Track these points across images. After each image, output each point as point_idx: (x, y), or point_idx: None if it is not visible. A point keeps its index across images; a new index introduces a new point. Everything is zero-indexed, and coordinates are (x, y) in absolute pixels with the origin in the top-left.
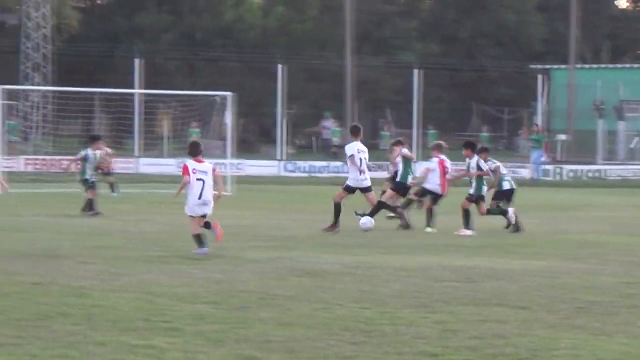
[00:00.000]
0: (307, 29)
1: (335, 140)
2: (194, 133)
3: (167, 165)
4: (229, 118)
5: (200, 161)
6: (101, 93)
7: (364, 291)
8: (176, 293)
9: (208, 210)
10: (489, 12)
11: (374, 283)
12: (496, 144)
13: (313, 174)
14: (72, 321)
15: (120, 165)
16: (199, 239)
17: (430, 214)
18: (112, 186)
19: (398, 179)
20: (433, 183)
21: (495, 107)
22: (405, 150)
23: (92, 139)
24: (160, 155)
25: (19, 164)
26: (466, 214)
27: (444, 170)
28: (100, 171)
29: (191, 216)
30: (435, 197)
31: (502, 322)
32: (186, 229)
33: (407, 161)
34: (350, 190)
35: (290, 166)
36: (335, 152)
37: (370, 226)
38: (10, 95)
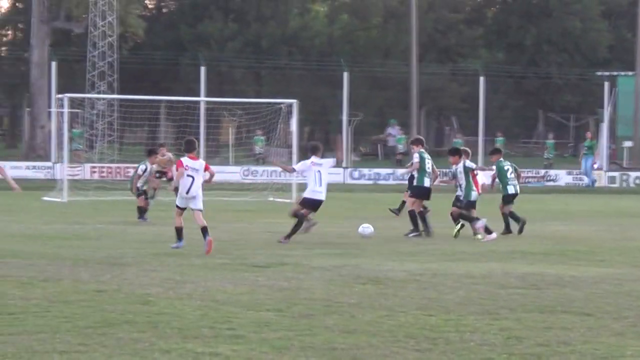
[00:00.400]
0: (371, 36)
1: (401, 147)
2: (259, 141)
3: (232, 173)
4: (294, 125)
5: (194, 158)
6: (166, 101)
7: (429, 298)
8: (240, 300)
9: (194, 205)
10: (553, 19)
11: (438, 290)
12: (562, 151)
13: (378, 182)
14: (137, 329)
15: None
16: (179, 233)
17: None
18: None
19: (415, 183)
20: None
21: (561, 114)
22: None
23: (149, 153)
24: (225, 163)
25: (85, 171)
26: (463, 216)
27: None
28: (165, 178)
29: (177, 207)
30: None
31: (568, 329)
32: (249, 237)
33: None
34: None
35: (355, 174)
36: (400, 160)
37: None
38: (77, 103)
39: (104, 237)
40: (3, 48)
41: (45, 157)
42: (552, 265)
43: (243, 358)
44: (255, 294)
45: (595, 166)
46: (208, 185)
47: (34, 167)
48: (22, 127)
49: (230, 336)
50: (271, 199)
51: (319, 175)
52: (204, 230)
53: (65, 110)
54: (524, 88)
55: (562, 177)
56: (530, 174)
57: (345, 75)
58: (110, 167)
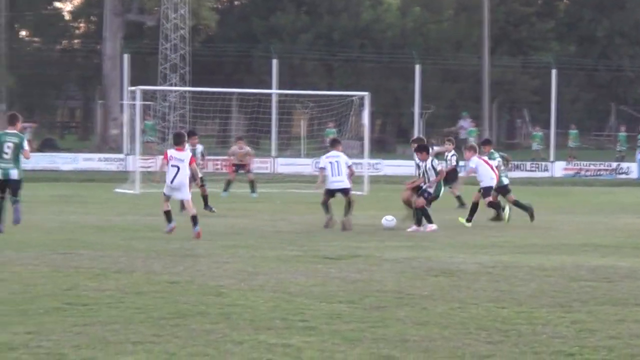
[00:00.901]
0: (443, 29)
1: (472, 139)
2: (331, 133)
3: (304, 165)
4: (366, 118)
5: (180, 150)
6: (238, 93)
7: (501, 291)
8: (312, 292)
9: (180, 195)
10: (626, 12)
11: (510, 282)
12: (634, 144)
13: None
14: (209, 320)
15: (257, 165)
16: (167, 216)
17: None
18: (252, 186)
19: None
20: (488, 178)
21: (633, 107)
22: (437, 148)
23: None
24: (297, 155)
25: (157, 163)
26: (423, 211)
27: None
28: (242, 171)
29: (164, 194)
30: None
31: None
32: (322, 229)
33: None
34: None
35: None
36: None
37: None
38: (149, 95)
39: (177, 229)
40: (76, 41)
41: (118, 149)
42: (624, 258)
43: (315, 350)
44: (327, 285)
45: None
46: (280, 177)
47: (106, 159)
48: (94, 119)
49: (303, 328)
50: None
51: (336, 165)
52: (194, 220)
53: (138, 102)
54: (595, 81)
55: (634, 169)
56: (602, 167)
57: (417, 67)
58: None
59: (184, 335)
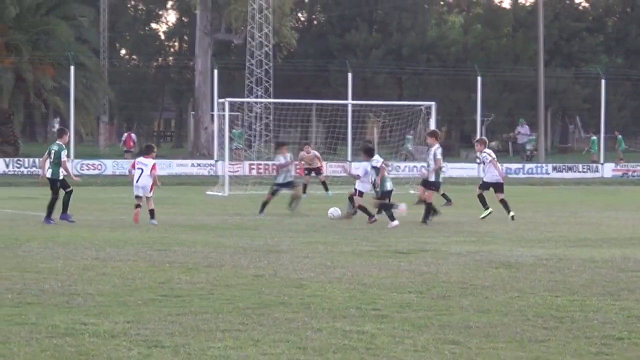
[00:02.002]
0: (502, 44)
1: (529, 146)
2: (409, 141)
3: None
4: (433, 125)
5: (147, 157)
6: (317, 104)
7: (556, 281)
8: (384, 283)
9: (144, 192)
10: None
11: (564, 273)
12: None
13: (509, 175)
14: (291, 309)
15: (333, 169)
16: (150, 213)
17: (505, 204)
18: (325, 186)
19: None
20: (492, 175)
21: None
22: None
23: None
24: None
25: (244, 168)
26: (384, 206)
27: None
28: (314, 174)
29: (135, 193)
30: (499, 186)
31: None
32: (388, 228)
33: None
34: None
35: None
36: (530, 157)
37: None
38: (236, 107)
39: (261, 227)
40: (170, 58)
41: (209, 156)
42: None
43: (387, 335)
44: (398, 277)
45: None
46: (347, 178)
47: (198, 165)
48: (187, 128)
49: (376, 316)
50: (412, 191)
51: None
52: (151, 213)
53: (226, 113)
54: None
55: None
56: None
57: (479, 79)
58: (266, 164)
59: (268, 323)
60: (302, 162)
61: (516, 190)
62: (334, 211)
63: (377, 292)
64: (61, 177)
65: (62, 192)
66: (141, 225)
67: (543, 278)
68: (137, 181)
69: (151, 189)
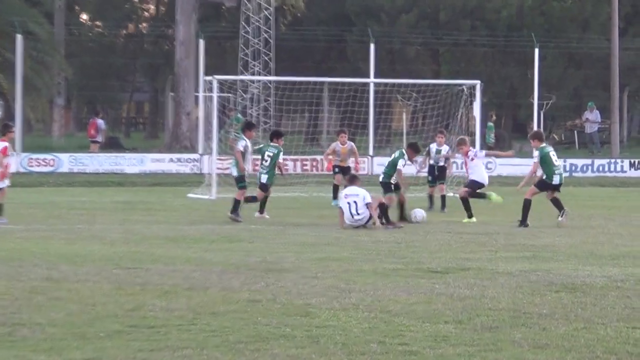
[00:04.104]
0: (567, 7)
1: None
2: (491, 129)
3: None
4: (477, 110)
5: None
6: (330, 83)
7: (633, 308)
8: (415, 311)
9: (3, 184)
10: None
11: None
12: None
13: (574, 174)
14: (295, 344)
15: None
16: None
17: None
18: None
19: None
20: (480, 175)
21: None
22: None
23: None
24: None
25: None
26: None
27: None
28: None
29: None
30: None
31: None
32: (426, 238)
33: None
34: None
35: None
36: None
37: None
38: (227, 87)
39: (258, 240)
40: (144, 24)
41: (191, 149)
42: None
43: None
44: (431, 303)
45: None
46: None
47: (178, 160)
48: (164, 114)
49: (403, 352)
50: (451, 194)
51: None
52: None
53: (215, 94)
54: None
55: None
56: None
57: (537, 51)
58: (256, 159)
59: None
60: (332, 157)
61: (583, 192)
62: (418, 213)
63: (404, 322)
64: None
65: None
66: (105, 237)
67: (617, 304)
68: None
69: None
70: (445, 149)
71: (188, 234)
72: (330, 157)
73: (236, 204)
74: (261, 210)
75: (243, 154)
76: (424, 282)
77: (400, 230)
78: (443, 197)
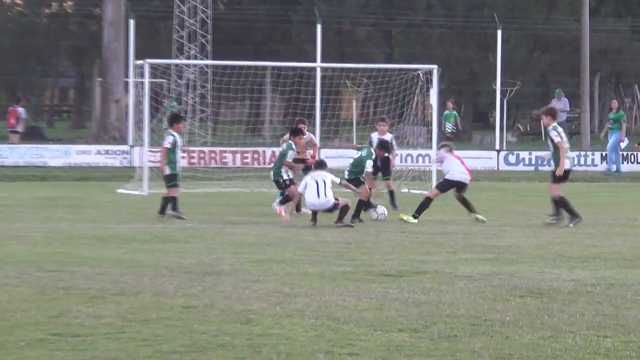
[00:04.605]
0: None
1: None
2: (452, 116)
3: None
4: (434, 98)
5: None
6: (273, 68)
7: (604, 315)
8: (365, 318)
9: None
10: None
11: (616, 305)
12: None
13: (540, 168)
14: (234, 354)
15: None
16: None
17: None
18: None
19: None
20: (456, 172)
21: None
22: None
23: (293, 132)
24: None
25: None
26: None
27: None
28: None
29: None
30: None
31: None
32: (378, 238)
33: None
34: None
35: (511, 158)
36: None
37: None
38: (160, 71)
39: (194, 240)
40: (69, 3)
41: (121, 140)
42: None
43: None
44: (384, 309)
45: (623, 145)
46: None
47: (106, 152)
48: (91, 102)
49: None
50: (405, 190)
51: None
52: None
53: (146, 80)
54: None
55: None
56: None
57: (499, 33)
58: (202, 152)
59: None
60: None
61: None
62: (380, 209)
63: (354, 330)
64: None
65: None
66: (26, 237)
67: (587, 311)
68: None
69: None
70: (388, 137)
71: (117, 233)
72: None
73: (174, 200)
74: (298, 209)
75: (171, 150)
76: (375, 286)
77: (351, 229)
78: (391, 193)
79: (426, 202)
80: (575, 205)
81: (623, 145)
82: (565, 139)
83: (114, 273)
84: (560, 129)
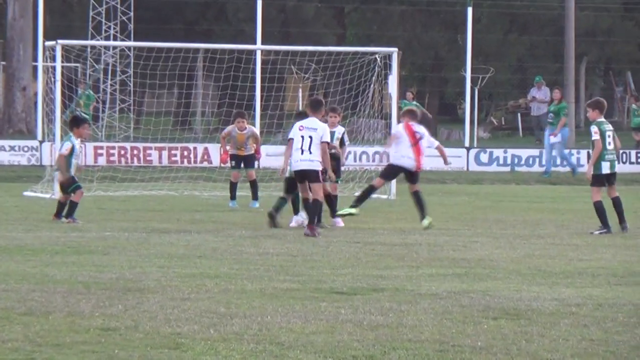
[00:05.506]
0: None
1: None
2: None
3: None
4: (393, 87)
5: None
6: (206, 50)
7: (592, 340)
8: (313, 343)
9: None
10: None
11: (605, 329)
12: None
13: (517, 168)
14: None
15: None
16: None
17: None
18: (253, 189)
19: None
20: (399, 155)
21: None
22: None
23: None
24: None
25: (87, 155)
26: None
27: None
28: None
29: None
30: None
31: None
32: (327, 250)
33: None
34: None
35: (483, 157)
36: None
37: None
38: (75, 54)
39: (114, 251)
40: None
41: (28, 134)
42: None
43: None
44: (335, 333)
45: (553, 139)
46: (267, 173)
47: (11, 148)
48: None
49: None
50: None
51: (308, 140)
52: None
53: (58, 64)
54: None
55: None
56: None
57: (469, 11)
58: (123, 148)
59: None
60: (229, 146)
61: (529, 191)
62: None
63: (300, 356)
64: None
65: None
66: None
67: (571, 335)
68: None
69: None
70: (339, 131)
71: (24, 243)
72: (228, 147)
73: (73, 206)
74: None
75: (68, 157)
76: (325, 305)
77: (296, 239)
78: (334, 198)
79: (368, 191)
80: (559, 211)
81: (553, 139)
82: (608, 139)
83: (20, 290)
84: (606, 126)
